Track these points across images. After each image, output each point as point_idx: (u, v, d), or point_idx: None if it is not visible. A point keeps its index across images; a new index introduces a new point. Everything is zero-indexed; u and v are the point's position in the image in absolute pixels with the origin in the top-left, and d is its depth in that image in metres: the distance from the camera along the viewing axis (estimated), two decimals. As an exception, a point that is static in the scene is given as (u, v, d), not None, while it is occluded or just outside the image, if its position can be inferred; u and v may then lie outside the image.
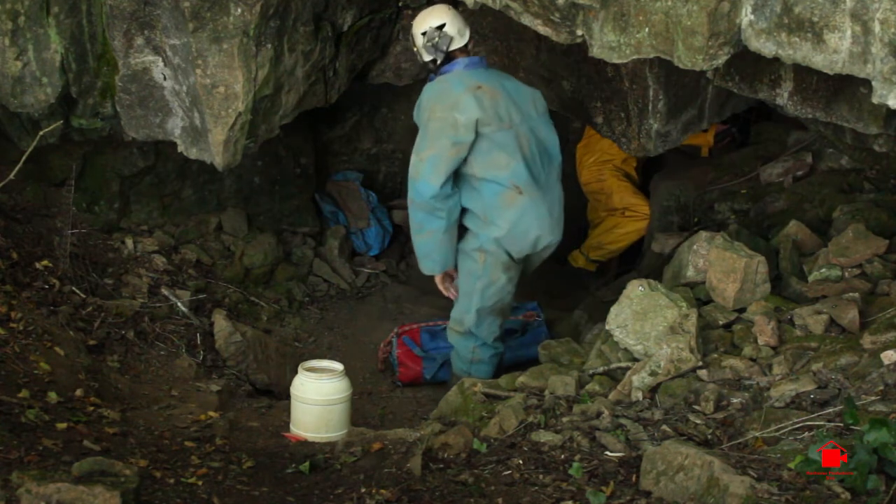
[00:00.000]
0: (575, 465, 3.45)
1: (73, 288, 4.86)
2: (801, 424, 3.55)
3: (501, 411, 4.08)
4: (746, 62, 4.23)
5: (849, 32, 3.29)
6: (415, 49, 4.95)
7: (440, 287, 5.05)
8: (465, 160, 4.70)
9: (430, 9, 4.93)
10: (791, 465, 3.14)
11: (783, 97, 4.32)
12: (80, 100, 5.08)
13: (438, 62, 4.82)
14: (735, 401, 3.91)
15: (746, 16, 3.49)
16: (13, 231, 4.96)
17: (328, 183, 6.99)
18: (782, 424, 3.58)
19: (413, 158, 4.72)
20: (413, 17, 5.74)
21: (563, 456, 3.58)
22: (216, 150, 5.01)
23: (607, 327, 4.45)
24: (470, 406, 4.29)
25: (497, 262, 4.83)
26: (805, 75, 4.19)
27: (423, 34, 4.83)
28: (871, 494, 2.97)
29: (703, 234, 4.89)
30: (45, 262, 4.87)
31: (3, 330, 4.16)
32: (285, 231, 6.48)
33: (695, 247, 4.83)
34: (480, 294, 4.90)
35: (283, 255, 6.33)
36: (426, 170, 4.63)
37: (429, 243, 4.79)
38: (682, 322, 4.23)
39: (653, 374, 4.11)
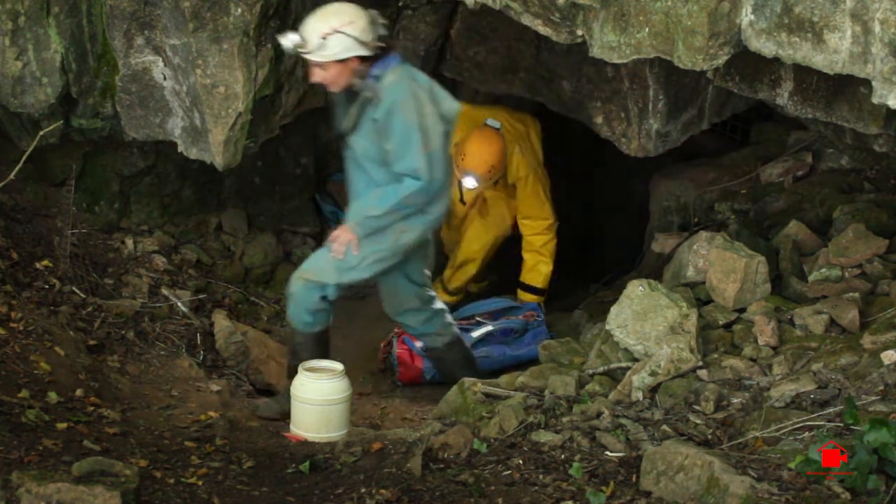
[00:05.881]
0: (575, 465, 3.45)
1: (74, 288, 4.86)
2: (801, 424, 3.55)
3: (501, 411, 4.08)
4: (746, 62, 4.23)
5: (849, 32, 3.29)
6: (338, 57, 4.32)
7: (341, 241, 4.58)
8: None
9: (335, 7, 4.39)
10: (791, 465, 3.15)
11: (783, 97, 4.32)
12: (80, 100, 5.08)
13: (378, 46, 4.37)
14: (735, 401, 3.91)
15: (746, 16, 3.49)
16: (13, 231, 4.96)
17: (328, 183, 6.99)
18: (782, 424, 3.59)
19: (418, 160, 4.41)
20: (413, 17, 5.72)
21: (563, 456, 3.58)
22: (216, 150, 5.01)
23: (607, 327, 4.45)
24: (470, 406, 4.29)
25: (403, 241, 4.62)
26: (805, 75, 4.19)
27: (345, 31, 4.28)
28: (871, 494, 2.97)
29: (703, 234, 4.90)
30: (45, 262, 4.87)
31: (3, 330, 4.17)
32: (285, 231, 6.48)
33: (695, 247, 4.83)
34: (371, 264, 4.62)
35: (283, 255, 6.33)
36: (434, 166, 4.45)
37: (388, 222, 4.52)
38: (683, 322, 4.23)
39: (653, 374, 4.11)
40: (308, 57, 4.37)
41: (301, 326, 4.71)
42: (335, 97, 4.62)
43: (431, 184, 4.48)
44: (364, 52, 4.36)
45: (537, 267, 6.06)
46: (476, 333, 5.63)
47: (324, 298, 4.65)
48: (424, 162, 4.43)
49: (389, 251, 4.63)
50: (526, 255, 6.10)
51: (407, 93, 4.42)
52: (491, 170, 5.73)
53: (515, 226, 6.19)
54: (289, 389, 4.54)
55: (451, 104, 4.57)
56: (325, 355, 4.71)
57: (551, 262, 6.09)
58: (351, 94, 4.51)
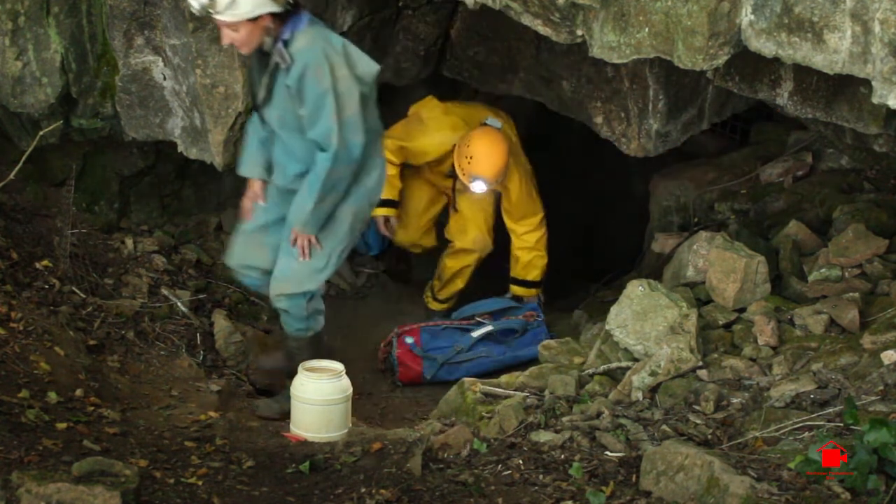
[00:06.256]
0: (575, 465, 3.45)
1: (73, 288, 4.86)
2: (801, 424, 3.56)
3: (501, 411, 4.08)
4: (746, 62, 4.23)
5: (849, 32, 3.29)
6: (249, 15, 4.07)
7: (302, 245, 4.52)
8: None
9: None
10: (791, 465, 3.15)
11: (783, 97, 4.32)
12: (80, 100, 5.08)
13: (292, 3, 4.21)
14: (735, 401, 3.91)
15: (746, 16, 3.49)
16: (13, 231, 4.96)
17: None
18: (782, 424, 3.59)
19: (331, 126, 4.24)
20: (413, 17, 5.70)
21: (563, 456, 3.58)
22: (216, 150, 5.01)
23: (607, 327, 4.45)
24: (470, 406, 4.30)
25: (358, 220, 4.62)
26: (805, 75, 4.19)
27: None
28: (871, 494, 2.97)
29: (703, 234, 4.90)
30: (45, 262, 4.87)
31: (3, 330, 4.17)
32: (285, 231, 6.47)
33: (695, 247, 4.84)
34: (338, 257, 4.64)
35: (283, 255, 6.32)
36: (351, 131, 4.28)
37: (330, 206, 4.45)
38: (682, 322, 4.24)
39: (653, 374, 4.12)
40: (218, 18, 4.08)
41: (296, 333, 4.72)
42: (251, 63, 4.46)
43: (348, 150, 4.31)
44: (275, 9, 4.12)
45: (533, 262, 6.02)
46: (476, 333, 5.63)
47: (311, 299, 4.66)
48: (336, 128, 4.26)
49: (348, 237, 4.60)
50: (520, 253, 6.03)
51: (320, 56, 4.22)
52: (499, 173, 5.64)
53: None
54: (288, 389, 4.54)
55: (367, 65, 4.37)
56: (321, 355, 4.71)
57: (546, 255, 6.06)
58: (263, 56, 4.33)
